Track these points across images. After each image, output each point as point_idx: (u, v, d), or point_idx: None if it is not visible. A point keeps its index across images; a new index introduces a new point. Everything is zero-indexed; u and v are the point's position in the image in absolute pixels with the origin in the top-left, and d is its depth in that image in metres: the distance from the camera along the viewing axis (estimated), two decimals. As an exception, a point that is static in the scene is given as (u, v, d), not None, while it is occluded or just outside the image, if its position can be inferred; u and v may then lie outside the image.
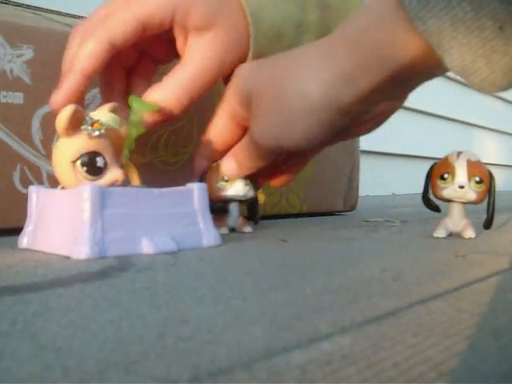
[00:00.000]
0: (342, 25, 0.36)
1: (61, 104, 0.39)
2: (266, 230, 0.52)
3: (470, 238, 0.48)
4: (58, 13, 0.65)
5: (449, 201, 0.49)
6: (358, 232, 0.54)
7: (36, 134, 0.45)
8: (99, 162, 0.37)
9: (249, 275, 0.30)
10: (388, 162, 1.71)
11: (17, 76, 0.45)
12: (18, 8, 0.53)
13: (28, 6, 0.53)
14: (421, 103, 1.75)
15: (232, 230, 0.49)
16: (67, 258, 0.34)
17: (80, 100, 0.41)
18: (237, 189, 0.46)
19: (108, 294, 0.25)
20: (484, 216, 0.49)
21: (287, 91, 0.38)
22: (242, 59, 0.45)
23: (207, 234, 0.40)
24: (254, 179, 0.48)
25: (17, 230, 0.39)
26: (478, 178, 0.47)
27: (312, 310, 0.23)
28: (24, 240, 0.38)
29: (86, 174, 0.36)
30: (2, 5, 0.52)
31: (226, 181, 0.46)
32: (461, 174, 0.47)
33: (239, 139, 0.45)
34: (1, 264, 0.32)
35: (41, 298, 0.24)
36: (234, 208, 0.48)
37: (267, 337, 0.19)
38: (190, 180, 0.43)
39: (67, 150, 0.36)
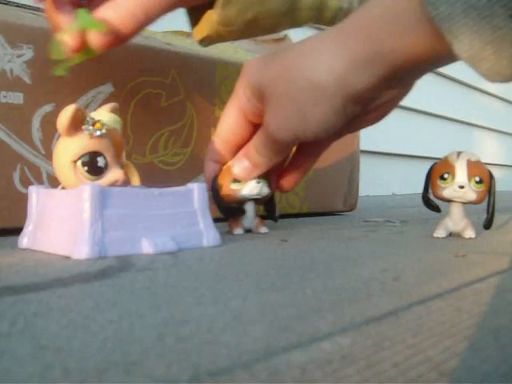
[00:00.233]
0: (354, 13, 0.36)
1: None
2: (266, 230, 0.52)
3: (470, 238, 0.49)
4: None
5: (449, 201, 0.49)
6: (358, 232, 0.54)
7: (36, 134, 0.45)
8: (100, 161, 0.37)
9: (249, 275, 0.30)
10: (388, 162, 1.71)
11: (17, 76, 0.45)
12: (18, 8, 0.53)
13: (28, 6, 0.53)
14: (421, 103, 1.76)
15: (247, 230, 0.48)
16: (67, 258, 0.34)
17: None
18: (250, 188, 0.45)
19: (108, 294, 0.25)
20: (484, 216, 0.49)
21: (300, 80, 0.38)
22: None
23: (207, 234, 0.40)
24: (267, 178, 0.47)
25: (17, 230, 0.39)
26: (477, 178, 0.47)
27: (312, 310, 0.23)
28: (24, 240, 0.38)
29: (86, 174, 0.36)
30: (2, 5, 0.52)
31: (239, 181, 0.45)
32: (461, 174, 0.47)
33: (250, 138, 0.45)
34: (1, 264, 0.32)
35: (41, 298, 0.24)
36: (249, 208, 0.48)
37: (267, 337, 0.19)
38: (190, 180, 0.42)
39: (68, 149, 0.36)
